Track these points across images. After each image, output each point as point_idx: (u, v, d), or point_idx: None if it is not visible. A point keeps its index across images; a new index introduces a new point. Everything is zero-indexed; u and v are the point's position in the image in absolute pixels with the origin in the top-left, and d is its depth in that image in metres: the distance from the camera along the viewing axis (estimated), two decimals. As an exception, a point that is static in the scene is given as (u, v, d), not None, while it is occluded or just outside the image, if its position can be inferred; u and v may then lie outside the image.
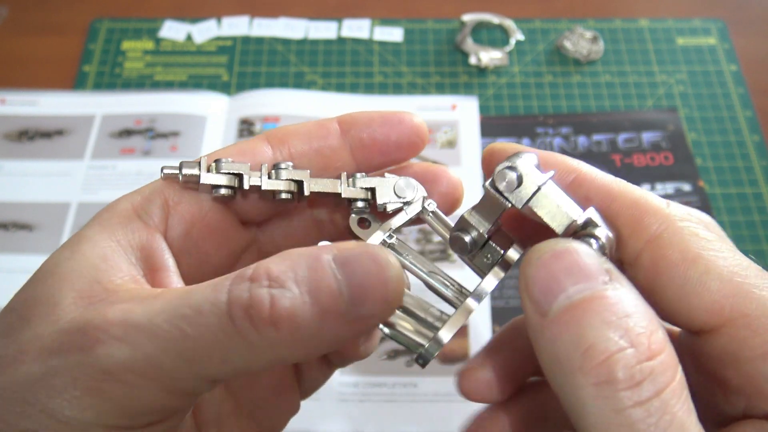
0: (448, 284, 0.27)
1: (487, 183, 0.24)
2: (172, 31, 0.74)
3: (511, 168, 0.23)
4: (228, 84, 0.70)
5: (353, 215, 0.27)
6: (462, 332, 0.55)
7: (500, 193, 0.24)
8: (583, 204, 0.23)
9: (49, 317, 0.20)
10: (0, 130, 0.66)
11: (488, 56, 0.70)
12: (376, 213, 0.28)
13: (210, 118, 0.66)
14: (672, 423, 0.18)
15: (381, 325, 0.24)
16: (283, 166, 0.25)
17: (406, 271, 0.27)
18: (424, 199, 0.27)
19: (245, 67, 0.71)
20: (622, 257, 0.23)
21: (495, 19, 0.74)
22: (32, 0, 0.77)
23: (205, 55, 0.72)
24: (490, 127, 0.66)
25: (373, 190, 0.27)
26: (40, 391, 0.19)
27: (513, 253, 0.25)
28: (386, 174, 0.27)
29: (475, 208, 0.26)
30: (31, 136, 0.65)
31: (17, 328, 0.21)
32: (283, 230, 0.29)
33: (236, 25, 0.74)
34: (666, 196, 0.64)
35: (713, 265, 0.21)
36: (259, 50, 0.72)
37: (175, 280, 0.24)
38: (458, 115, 0.67)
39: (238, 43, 0.73)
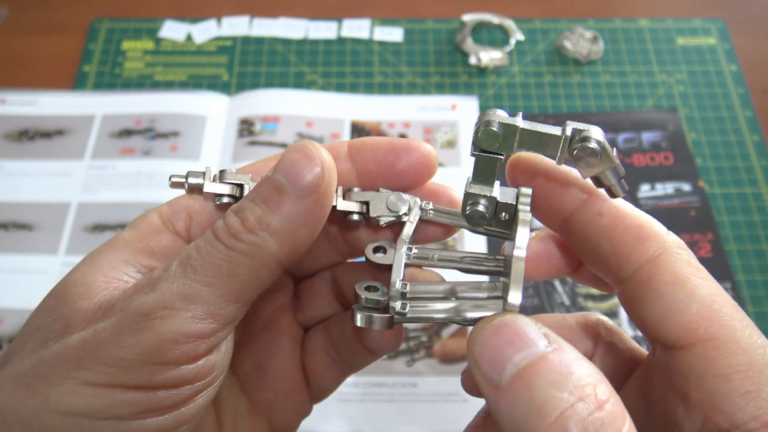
0: (483, 260, 0.28)
1: (474, 150, 0.26)
2: (172, 31, 0.74)
3: (488, 123, 0.25)
4: (228, 84, 0.70)
5: (369, 245, 0.29)
6: (462, 332, 0.55)
7: (488, 152, 0.25)
8: (594, 219, 0.26)
9: (84, 295, 0.25)
10: (0, 130, 0.66)
11: (488, 56, 0.70)
12: (370, 226, 0.29)
13: (210, 118, 0.66)
14: None
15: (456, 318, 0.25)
16: None
17: (442, 270, 0.29)
18: (421, 202, 0.29)
19: (245, 67, 0.71)
20: (620, 272, 0.25)
21: (495, 19, 0.74)
22: (32, 0, 0.77)
23: (205, 55, 0.72)
24: (490, 127, 0.66)
25: (367, 204, 0.29)
26: (92, 347, 0.23)
27: (524, 197, 0.26)
28: (381, 189, 0.28)
29: (473, 179, 0.27)
30: (31, 136, 0.65)
31: (59, 307, 0.25)
32: None
33: (236, 25, 0.74)
34: (666, 196, 0.64)
35: (698, 290, 0.25)
36: (259, 50, 0.72)
37: None
38: (458, 115, 0.67)
39: (238, 43, 0.73)
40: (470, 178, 0.27)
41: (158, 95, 0.68)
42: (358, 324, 0.26)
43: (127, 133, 0.65)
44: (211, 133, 0.65)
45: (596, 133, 0.24)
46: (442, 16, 0.76)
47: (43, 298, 0.26)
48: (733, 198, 0.63)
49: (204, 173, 0.27)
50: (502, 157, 0.26)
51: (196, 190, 0.27)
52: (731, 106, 0.69)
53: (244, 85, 0.70)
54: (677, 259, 0.26)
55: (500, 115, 0.25)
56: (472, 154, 0.26)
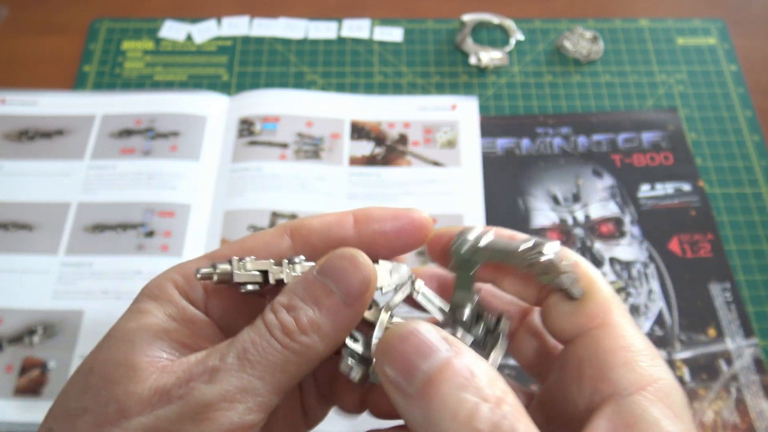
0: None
1: (451, 264, 0.30)
2: (172, 31, 0.74)
3: (460, 245, 0.30)
4: (228, 84, 0.70)
5: None
6: None
7: (463, 258, 0.30)
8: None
9: (133, 378, 0.26)
10: (0, 130, 0.66)
11: (488, 56, 0.70)
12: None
13: (210, 118, 0.66)
14: None
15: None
16: (296, 260, 0.29)
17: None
18: (414, 281, 0.31)
19: (245, 67, 0.71)
20: (578, 326, 0.29)
21: (495, 19, 0.74)
22: (32, 0, 0.77)
23: (205, 55, 0.72)
24: (490, 127, 0.66)
25: None
26: None
27: (504, 324, 0.31)
28: (380, 261, 0.31)
29: (455, 288, 0.31)
30: (31, 136, 0.65)
31: (107, 388, 0.26)
32: None
33: (236, 25, 0.74)
34: (666, 196, 0.65)
35: (600, 291, 0.29)
36: (259, 50, 0.72)
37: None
38: (458, 115, 0.67)
39: (238, 43, 0.73)
40: (454, 289, 0.31)
41: (158, 95, 0.67)
42: (341, 368, 0.29)
43: (127, 133, 0.65)
44: (211, 133, 0.65)
45: (549, 249, 0.28)
46: (442, 16, 0.76)
47: (75, 375, 0.27)
48: (733, 198, 0.63)
49: (230, 262, 0.28)
50: (477, 266, 0.30)
51: (224, 280, 0.28)
52: (731, 106, 0.69)
53: (244, 85, 0.70)
54: (586, 265, 0.30)
55: (469, 237, 0.30)
56: (450, 269, 0.30)
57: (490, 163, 0.64)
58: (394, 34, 0.74)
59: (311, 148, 0.64)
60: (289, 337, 0.26)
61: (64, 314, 0.56)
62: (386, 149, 0.65)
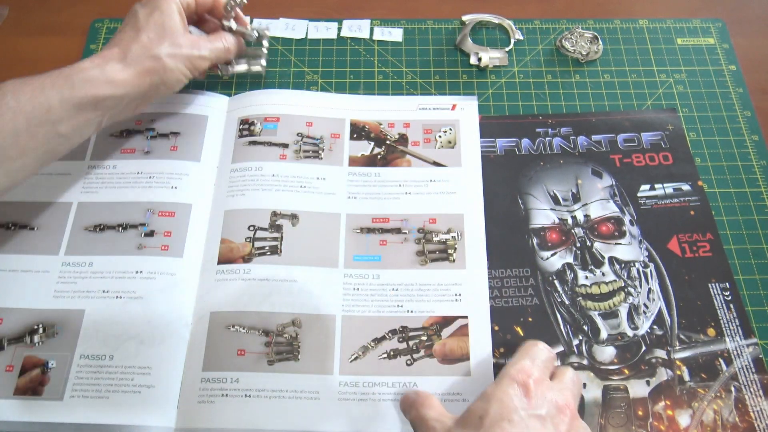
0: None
1: None
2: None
3: None
4: (229, 84, 0.70)
5: None
6: (462, 331, 0.55)
7: None
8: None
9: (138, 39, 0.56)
10: None
11: (488, 56, 0.71)
12: None
13: (211, 118, 0.66)
14: None
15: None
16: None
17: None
18: None
19: (245, 67, 0.71)
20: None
21: (495, 19, 0.74)
22: (33, 0, 0.77)
23: (205, 55, 0.72)
24: (490, 127, 0.66)
25: None
26: (153, 47, 0.55)
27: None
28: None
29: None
30: None
31: (132, 32, 0.56)
32: None
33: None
34: (665, 196, 0.65)
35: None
36: (260, 50, 0.72)
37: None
38: (458, 114, 0.67)
39: (239, 43, 0.73)
40: None
41: None
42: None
43: (127, 132, 0.65)
44: (211, 132, 0.65)
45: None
46: (442, 16, 0.76)
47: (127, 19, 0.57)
48: (733, 198, 0.63)
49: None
50: None
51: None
52: (731, 106, 0.69)
53: (244, 84, 0.70)
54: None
55: None
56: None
57: (490, 162, 0.64)
58: (394, 34, 0.74)
59: (311, 148, 0.64)
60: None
61: (64, 314, 0.55)
62: (386, 149, 0.65)
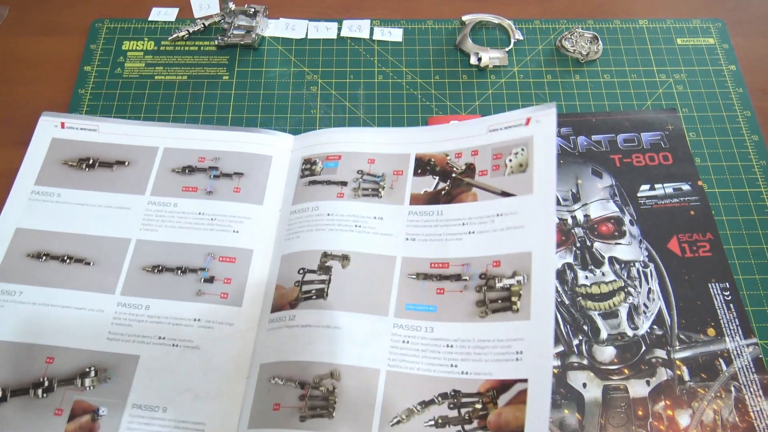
0: None
1: None
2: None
3: None
4: (229, 84, 0.70)
5: None
6: (521, 398, 0.47)
7: None
8: None
9: None
10: (59, 155, 0.63)
11: (488, 56, 0.71)
12: None
13: (275, 158, 0.63)
14: None
15: None
16: None
17: None
18: None
19: (246, 67, 0.71)
20: None
21: (495, 19, 0.74)
22: (33, 0, 0.77)
23: (206, 55, 0.72)
24: (490, 127, 0.66)
25: None
26: None
27: None
28: None
29: None
30: (92, 164, 0.62)
31: None
32: None
33: (236, 26, 0.74)
34: (665, 196, 0.65)
35: None
36: (260, 50, 0.73)
37: None
38: (532, 129, 0.57)
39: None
40: None
41: (224, 132, 0.64)
42: None
43: (189, 169, 0.62)
44: (275, 174, 0.62)
45: None
46: (442, 16, 0.76)
47: None
48: (733, 197, 0.63)
49: None
50: None
51: None
52: (730, 106, 0.69)
53: (244, 84, 0.70)
54: None
55: None
56: None
57: (490, 163, 0.64)
58: (394, 34, 0.74)
59: (370, 185, 0.60)
60: None
61: (118, 358, 0.53)
62: (451, 183, 0.58)
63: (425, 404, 0.48)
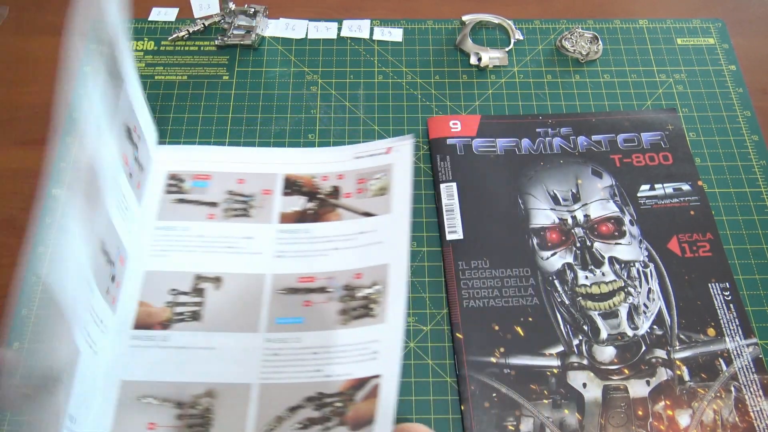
0: None
1: None
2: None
3: None
4: (230, 84, 0.70)
5: None
6: (374, 392, 0.50)
7: None
8: None
9: None
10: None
11: (488, 56, 0.71)
12: None
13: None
14: None
15: None
16: None
17: None
18: None
19: (246, 67, 0.71)
20: None
21: (495, 19, 0.74)
22: (32, 0, 0.77)
23: (206, 56, 0.72)
24: (490, 128, 0.66)
25: None
26: None
27: None
28: None
29: None
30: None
31: None
32: None
33: (236, 25, 0.74)
34: (665, 196, 0.65)
35: None
36: (260, 50, 0.73)
37: None
38: (392, 158, 0.62)
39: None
40: None
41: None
42: None
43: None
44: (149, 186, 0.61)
45: None
46: (442, 16, 0.76)
47: None
48: (733, 197, 0.63)
49: None
50: None
51: None
52: (730, 106, 0.69)
53: (244, 84, 0.70)
54: None
55: None
56: None
57: (490, 163, 0.64)
58: (394, 34, 0.74)
59: (240, 206, 0.61)
60: None
61: None
62: (318, 203, 0.61)
63: (293, 409, 0.50)
